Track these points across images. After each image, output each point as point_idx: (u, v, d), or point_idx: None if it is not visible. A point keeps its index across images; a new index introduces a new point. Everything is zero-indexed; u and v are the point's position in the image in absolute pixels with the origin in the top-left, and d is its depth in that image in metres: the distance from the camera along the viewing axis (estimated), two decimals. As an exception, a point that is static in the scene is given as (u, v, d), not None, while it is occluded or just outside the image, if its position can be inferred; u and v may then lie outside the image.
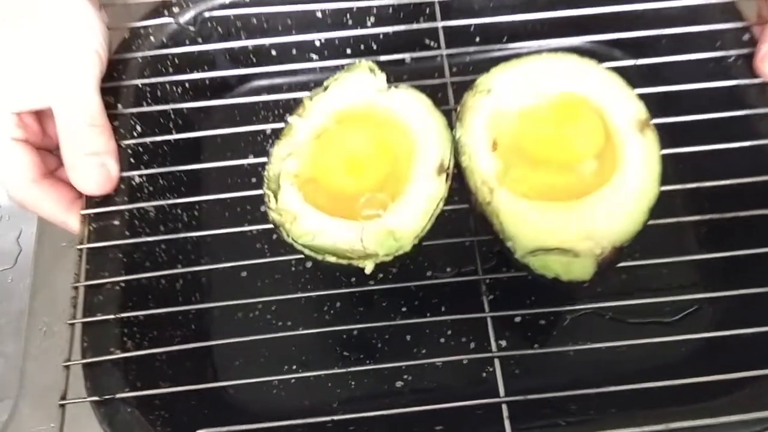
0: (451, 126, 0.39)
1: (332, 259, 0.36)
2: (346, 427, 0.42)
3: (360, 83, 0.40)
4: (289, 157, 0.39)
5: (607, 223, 0.35)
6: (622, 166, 0.36)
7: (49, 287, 0.49)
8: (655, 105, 0.39)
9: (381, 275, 0.46)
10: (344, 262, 0.35)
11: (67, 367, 0.38)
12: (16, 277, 0.52)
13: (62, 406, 0.37)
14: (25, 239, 0.53)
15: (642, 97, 0.38)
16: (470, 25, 0.53)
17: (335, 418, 0.37)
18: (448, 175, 0.37)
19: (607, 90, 0.39)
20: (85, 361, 0.38)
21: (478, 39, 0.54)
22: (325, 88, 0.41)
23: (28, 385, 0.44)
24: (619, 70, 0.39)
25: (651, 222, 0.36)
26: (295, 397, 0.44)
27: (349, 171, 0.37)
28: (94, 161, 0.41)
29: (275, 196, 0.38)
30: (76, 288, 0.40)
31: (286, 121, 0.40)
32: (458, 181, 0.38)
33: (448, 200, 0.37)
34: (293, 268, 0.48)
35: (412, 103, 0.40)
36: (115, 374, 0.38)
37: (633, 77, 0.40)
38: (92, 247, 0.41)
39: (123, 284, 0.41)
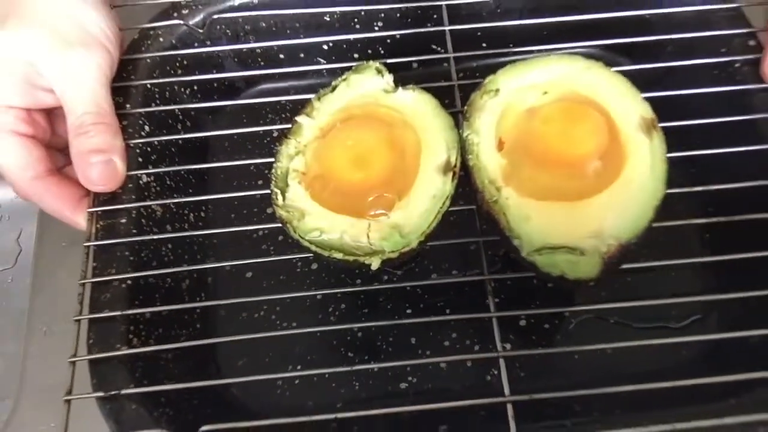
0: (458, 127, 0.39)
1: (339, 255, 0.36)
2: (350, 426, 0.42)
3: (368, 83, 0.41)
4: (297, 155, 0.39)
5: (612, 222, 0.35)
6: (627, 166, 0.37)
7: (49, 287, 0.48)
8: (661, 110, 0.39)
9: (386, 277, 0.48)
10: (351, 258, 0.36)
11: (73, 363, 0.38)
12: (16, 277, 0.52)
13: (68, 401, 0.37)
14: (25, 239, 0.53)
15: (648, 101, 0.39)
16: (477, 30, 0.53)
17: (339, 416, 0.36)
18: (454, 173, 0.38)
19: (613, 91, 0.39)
20: (91, 357, 0.38)
21: (485, 44, 0.55)
22: (333, 89, 0.41)
23: (29, 385, 0.44)
24: (625, 75, 0.40)
25: (656, 224, 0.35)
26: (299, 396, 0.44)
27: (356, 164, 0.37)
28: (100, 158, 0.41)
29: (282, 194, 0.38)
30: (82, 284, 0.40)
31: (294, 121, 0.40)
32: (463, 185, 0.39)
33: (454, 203, 0.37)
34: (298, 270, 0.48)
35: (419, 103, 0.40)
36: (120, 371, 0.38)
37: (639, 83, 0.40)
38: (99, 245, 0.42)
39: (129, 282, 0.41)
